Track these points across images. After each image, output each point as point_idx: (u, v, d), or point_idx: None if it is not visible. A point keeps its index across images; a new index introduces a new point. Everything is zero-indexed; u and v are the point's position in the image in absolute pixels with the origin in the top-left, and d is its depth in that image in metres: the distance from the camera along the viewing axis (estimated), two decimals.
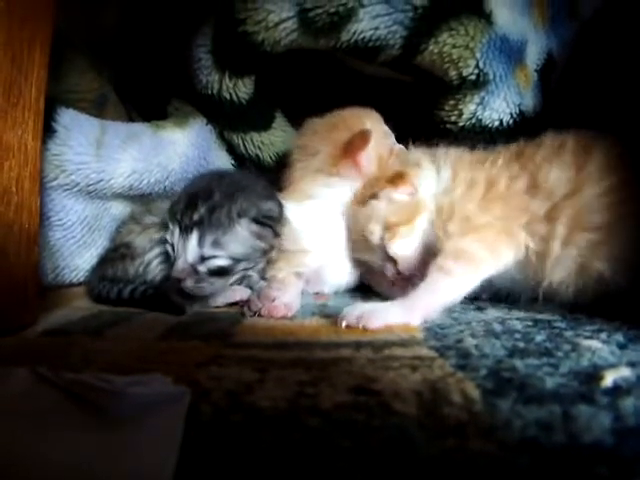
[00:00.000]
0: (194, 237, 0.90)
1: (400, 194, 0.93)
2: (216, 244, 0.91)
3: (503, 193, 0.84)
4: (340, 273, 1.07)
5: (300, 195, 1.02)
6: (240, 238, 0.93)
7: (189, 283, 0.91)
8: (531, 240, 0.80)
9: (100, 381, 0.45)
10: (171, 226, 0.93)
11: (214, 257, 0.91)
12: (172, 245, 0.93)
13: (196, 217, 0.91)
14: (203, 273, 0.91)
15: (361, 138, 0.98)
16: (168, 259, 1.01)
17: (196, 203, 0.92)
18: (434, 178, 0.93)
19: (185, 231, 0.91)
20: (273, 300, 0.87)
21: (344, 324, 0.73)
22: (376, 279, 1.03)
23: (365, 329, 0.71)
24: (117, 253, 1.06)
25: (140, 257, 1.03)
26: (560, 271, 0.79)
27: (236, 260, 0.94)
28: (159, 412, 0.43)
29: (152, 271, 1.02)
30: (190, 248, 0.90)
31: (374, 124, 1.06)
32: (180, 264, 0.90)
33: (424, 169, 0.94)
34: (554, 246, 0.79)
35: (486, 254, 0.79)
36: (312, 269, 1.03)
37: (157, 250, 1.03)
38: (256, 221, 0.94)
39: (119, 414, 0.42)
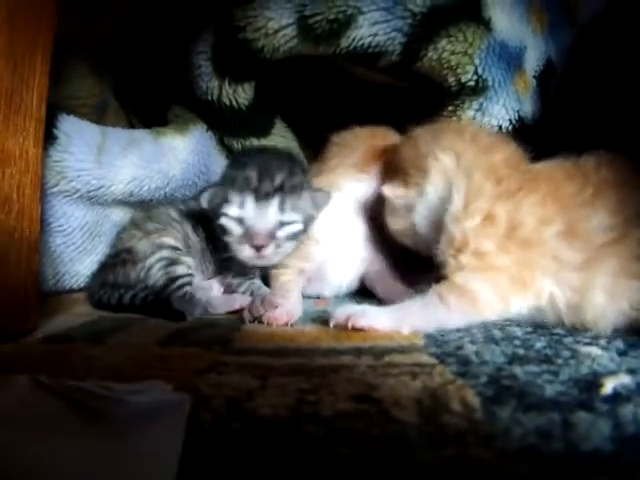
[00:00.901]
0: (275, 203, 0.92)
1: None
2: (295, 209, 0.93)
3: (529, 237, 0.74)
4: (343, 272, 1.08)
5: (330, 184, 1.04)
6: (307, 204, 0.97)
7: (270, 250, 0.92)
8: (558, 289, 0.73)
9: (100, 388, 0.45)
10: (238, 198, 0.92)
11: (293, 222, 0.94)
12: (238, 218, 0.93)
13: (277, 183, 0.93)
14: (281, 239, 0.93)
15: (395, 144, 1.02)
16: (169, 264, 1.02)
17: (272, 171, 0.94)
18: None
19: (264, 198, 0.91)
20: (276, 307, 0.87)
21: (332, 323, 0.74)
22: (381, 284, 1.07)
23: (353, 328, 0.72)
24: (118, 258, 1.06)
25: (142, 262, 1.03)
26: (607, 322, 0.71)
27: (305, 225, 0.96)
28: (159, 420, 0.43)
29: (153, 275, 1.02)
30: (270, 214, 0.92)
31: None
32: (261, 230, 0.91)
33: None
34: (595, 297, 0.71)
35: (494, 300, 0.74)
36: (316, 264, 1.04)
37: (159, 254, 1.03)
38: (314, 190, 0.99)
39: (119, 422, 0.42)
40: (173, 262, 1.03)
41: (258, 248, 0.91)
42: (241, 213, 0.92)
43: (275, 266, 1.00)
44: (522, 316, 0.76)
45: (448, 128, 0.91)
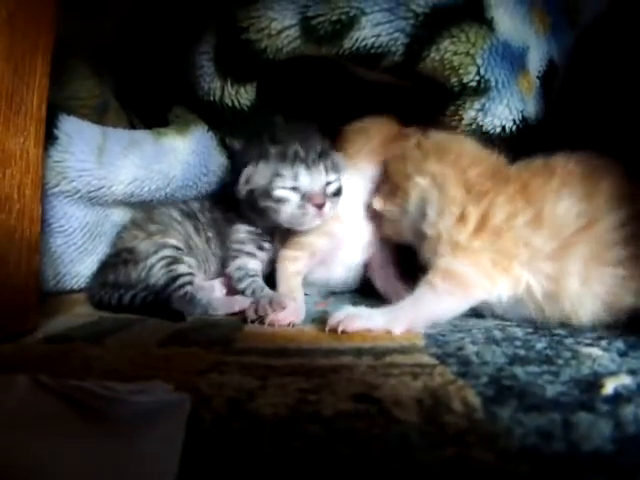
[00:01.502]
0: (321, 167, 1.01)
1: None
2: (333, 168, 1.03)
3: (499, 227, 0.79)
4: (354, 253, 1.10)
5: (349, 166, 1.08)
6: (337, 164, 1.06)
7: (328, 207, 0.99)
8: (534, 279, 0.77)
9: (101, 388, 0.45)
10: (290, 171, 0.99)
11: (334, 180, 1.03)
12: (293, 187, 0.99)
13: (318, 150, 1.02)
14: (330, 196, 1.01)
15: (412, 132, 1.05)
16: (171, 262, 1.02)
17: (311, 141, 1.04)
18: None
19: (313, 165, 1.00)
20: (284, 308, 0.87)
21: (327, 328, 0.76)
22: (382, 278, 1.11)
23: (344, 333, 0.74)
24: (119, 258, 1.06)
25: (143, 261, 1.03)
26: (585, 310, 0.74)
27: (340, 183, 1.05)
28: (160, 419, 0.43)
29: (155, 274, 1.02)
30: (321, 177, 1.00)
31: None
32: (318, 192, 0.99)
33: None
34: (570, 284, 0.74)
35: (480, 278, 0.77)
36: (334, 242, 1.07)
37: (161, 253, 1.04)
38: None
39: (120, 422, 0.42)
40: (175, 261, 1.03)
41: (320, 206, 0.98)
42: (295, 183, 0.99)
43: (286, 246, 1.06)
44: (503, 305, 0.80)
45: (435, 148, 0.95)
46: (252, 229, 1.10)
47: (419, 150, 0.96)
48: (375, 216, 1.05)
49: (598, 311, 0.73)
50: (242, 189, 1.04)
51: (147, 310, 0.94)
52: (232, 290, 1.07)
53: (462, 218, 0.82)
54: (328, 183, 1.01)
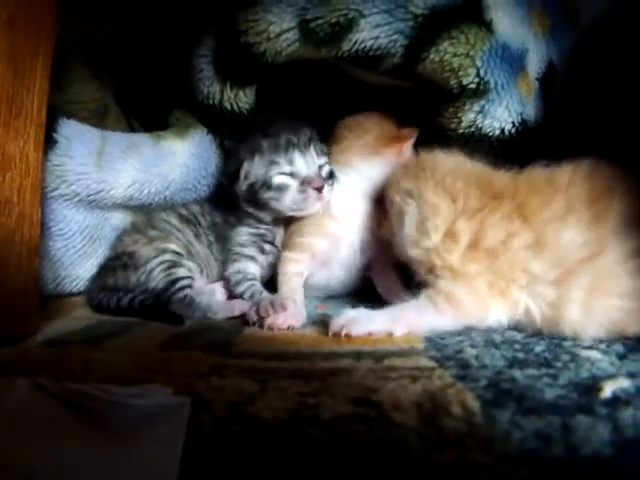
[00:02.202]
0: (312, 151, 1.05)
1: None
2: (322, 152, 1.08)
3: (494, 248, 0.77)
4: (354, 252, 1.08)
5: (342, 163, 1.09)
6: (323, 148, 1.10)
7: (326, 190, 1.03)
8: (533, 302, 0.75)
9: (101, 392, 0.45)
10: (284, 158, 1.03)
11: (325, 163, 1.07)
12: (290, 173, 1.03)
13: (307, 135, 1.06)
14: (325, 179, 1.05)
15: (410, 132, 1.06)
16: (171, 266, 1.02)
17: (299, 128, 1.08)
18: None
19: (306, 149, 1.04)
20: (286, 310, 0.87)
21: (330, 333, 0.76)
22: (383, 279, 1.11)
23: (348, 337, 0.74)
24: (119, 262, 1.06)
25: (143, 266, 1.03)
26: (586, 334, 0.70)
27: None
28: (160, 423, 0.43)
29: (154, 278, 1.02)
30: (314, 160, 1.05)
31: None
32: (315, 174, 1.04)
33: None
34: (571, 312, 0.71)
35: (475, 306, 0.76)
36: (332, 243, 1.06)
37: (161, 258, 1.04)
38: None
39: (120, 425, 0.43)
40: (174, 265, 1.03)
41: (319, 189, 1.01)
42: (292, 168, 1.03)
43: (288, 248, 1.06)
44: (503, 326, 0.78)
45: (415, 165, 0.94)
46: (254, 231, 1.10)
47: (401, 169, 0.96)
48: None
49: (600, 336, 0.70)
50: (242, 185, 1.06)
51: (146, 313, 0.94)
52: (233, 294, 1.07)
53: (452, 235, 0.80)
54: (320, 166, 1.05)
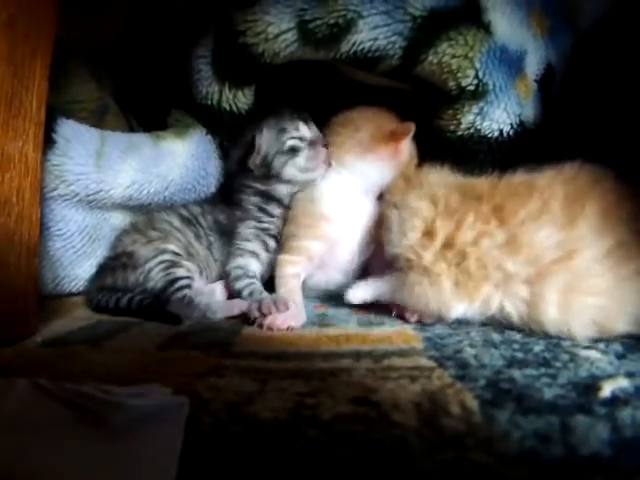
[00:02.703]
0: (312, 123, 1.12)
1: None
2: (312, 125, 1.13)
3: (467, 248, 0.78)
4: (352, 255, 1.07)
5: (335, 160, 1.08)
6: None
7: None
8: (508, 300, 0.76)
9: (100, 392, 0.45)
10: (291, 125, 1.10)
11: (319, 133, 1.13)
12: (299, 137, 1.09)
13: (306, 114, 1.14)
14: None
15: (406, 128, 1.02)
16: (170, 266, 1.02)
17: (295, 107, 1.13)
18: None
19: (306, 120, 1.11)
20: (288, 309, 0.87)
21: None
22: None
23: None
24: (118, 262, 1.06)
25: (142, 266, 1.03)
26: (573, 331, 0.70)
27: None
28: (158, 423, 0.43)
29: (153, 278, 1.02)
30: (315, 130, 1.12)
31: None
32: (319, 137, 1.11)
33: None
34: (549, 311, 0.72)
35: (436, 303, 0.80)
36: (329, 245, 1.04)
37: (160, 258, 1.04)
38: None
39: (119, 425, 0.43)
40: (173, 264, 1.03)
41: (326, 147, 1.08)
42: (299, 133, 1.09)
43: (284, 251, 1.05)
44: (475, 320, 0.81)
45: (397, 184, 1.00)
46: (259, 225, 1.10)
47: (392, 185, 1.01)
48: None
49: (590, 334, 0.70)
50: (256, 159, 1.08)
51: (144, 313, 0.94)
52: (231, 290, 1.07)
53: (429, 233, 0.82)
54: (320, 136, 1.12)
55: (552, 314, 0.72)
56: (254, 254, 1.08)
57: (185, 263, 1.06)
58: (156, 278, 1.01)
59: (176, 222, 1.13)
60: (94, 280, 1.08)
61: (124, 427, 0.42)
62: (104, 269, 1.08)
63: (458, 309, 0.79)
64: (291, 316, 0.86)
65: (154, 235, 1.09)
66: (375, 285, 0.88)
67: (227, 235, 1.13)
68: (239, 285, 1.02)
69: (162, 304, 0.96)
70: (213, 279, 1.13)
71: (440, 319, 0.83)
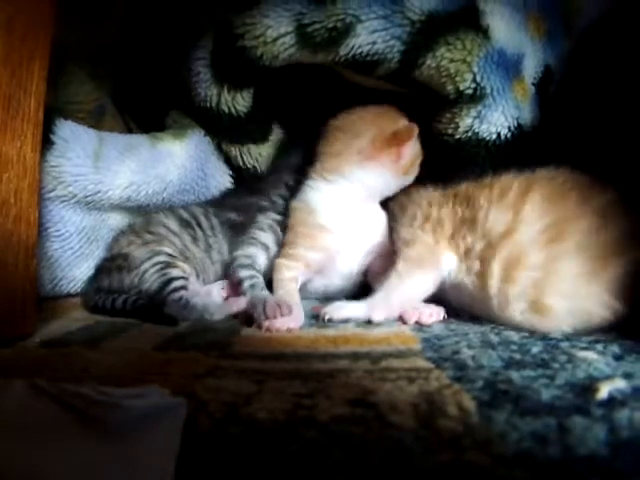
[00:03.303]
0: None
1: None
2: None
3: (439, 218, 0.91)
4: (352, 263, 1.06)
5: (333, 171, 1.04)
6: None
7: None
8: (464, 272, 0.86)
9: (98, 393, 0.45)
10: None
11: None
12: None
13: None
14: None
15: (409, 131, 1.00)
16: (165, 267, 1.02)
17: None
18: None
19: None
20: (291, 313, 0.86)
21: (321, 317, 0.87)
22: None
23: (330, 321, 0.86)
24: (114, 263, 1.06)
25: (137, 268, 1.03)
26: (512, 309, 0.78)
27: None
28: (156, 424, 0.43)
29: (147, 279, 1.02)
30: None
31: None
32: None
33: None
34: (492, 284, 0.80)
35: (428, 255, 0.89)
36: (329, 256, 1.03)
37: (155, 259, 1.03)
38: None
39: (116, 426, 0.42)
40: (168, 265, 1.03)
41: None
42: None
43: (281, 256, 1.04)
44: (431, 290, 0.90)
45: (398, 200, 1.07)
46: (279, 218, 1.10)
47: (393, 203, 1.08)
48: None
49: (524, 311, 0.78)
50: None
51: (140, 314, 0.94)
52: (230, 294, 1.06)
53: (412, 217, 0.96)
54: None
55: (494, 285, 0.80)
56: (265, 246, 1.07)
57: (180, 264, 1.06)
58: (151, 280, 1.01)
59: (173, 225, 1.13)
60: (91, 281, 1.09)
61: (122, 428, 0.42)
62: (101, 270, 1.08)
63: (448, 259, 0.88)
64: (290, 318, 0.86)
65: (150, 238, 1.09)
66: (353, 306, 0.89)
67: (240, 230, 1.11)
68: (243, 274, 1.01)
69: (158, 305, 0.96)
70: (210, 282, 1.13)
71: (439, 320, 0.88)
